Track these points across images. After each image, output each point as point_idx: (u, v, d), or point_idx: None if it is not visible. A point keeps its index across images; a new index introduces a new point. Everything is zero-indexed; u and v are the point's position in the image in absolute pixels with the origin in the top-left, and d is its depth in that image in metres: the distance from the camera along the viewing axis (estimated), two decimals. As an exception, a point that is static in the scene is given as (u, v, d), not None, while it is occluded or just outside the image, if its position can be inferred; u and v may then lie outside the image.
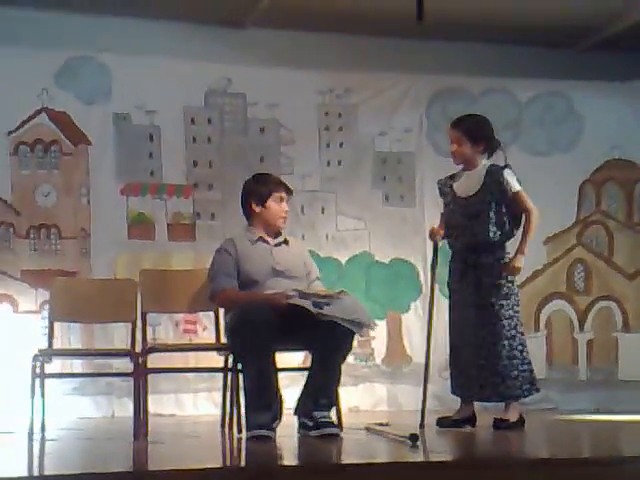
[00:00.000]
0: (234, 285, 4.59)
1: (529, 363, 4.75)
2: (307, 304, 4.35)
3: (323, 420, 4.33)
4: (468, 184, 4.77)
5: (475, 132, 4.77)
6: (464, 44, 6.37)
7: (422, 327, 6.22)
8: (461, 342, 4.77)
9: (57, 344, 5.06)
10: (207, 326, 5.61)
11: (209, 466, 3.61)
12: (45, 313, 5.32)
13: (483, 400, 4.81)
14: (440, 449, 4.10)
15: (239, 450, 4.19)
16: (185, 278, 5.07)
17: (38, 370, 4.57)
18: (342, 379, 4.52)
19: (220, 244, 4.71)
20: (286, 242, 4.74)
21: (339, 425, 4.46)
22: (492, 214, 4.69)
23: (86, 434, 4.72)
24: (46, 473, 3.63)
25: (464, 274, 4.75)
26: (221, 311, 4.76)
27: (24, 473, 3.51)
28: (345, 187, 6.33)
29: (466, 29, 6.30)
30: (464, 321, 4.75)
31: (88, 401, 5.62)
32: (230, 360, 4.62)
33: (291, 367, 4.89)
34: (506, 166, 4.77)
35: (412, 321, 6.26)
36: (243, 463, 3.99)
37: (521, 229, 4.76)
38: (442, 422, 4.78)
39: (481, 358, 4.68)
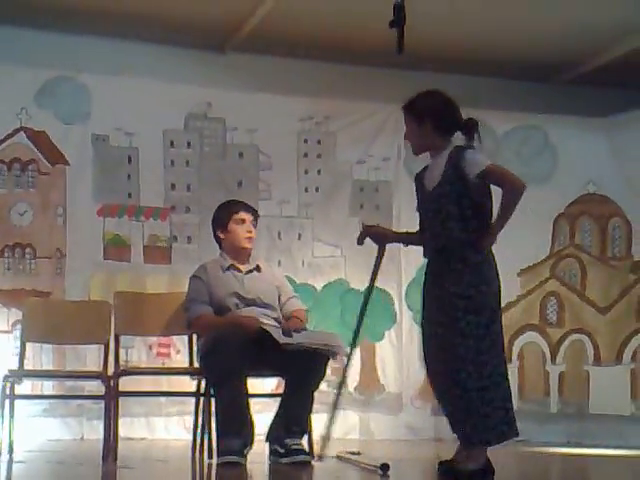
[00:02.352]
0: (209, 311, 4.59)
1: (506, 399, 3.79)
2: (276, 332, 4.36)
3: (295, 447, 4.31)
4: (432, 174, 3.89)
5: (418, 108, 3.93)
6: (442, 75, 6.42)
7: (396, 356, 6.26)
8: (429, 368, 3.91)
9: (28, 365, 5.02)
10: (180, 350, 5.58)
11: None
12: (17, 333, 5.28)
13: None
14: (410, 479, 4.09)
15: (209, 476, 4.17)
16: (160, 301, 5.06)
17: (8, 391, 4.53)
18: (314, 406, 4.51)
19: (194, 271, 4.71)
20: (258, 269, 4.74)
21: (310, 453, 4.44)
22: (453, 207, 3.78)
23: (55, 457, 4.67)
24: (13, 496, 3.59)
25: (431, 284, 3.90)
26: (194, 335, 4.75)
27: (-10, 495, 3.47)
28: (322, 214, 6.35)
29: (445, 61, 6.36)
30: (429, 342, 3.87)
31: (58, 423, 5.56)
32: (202, 385, 4.60)
33: (263, 393, 4.88)
34: (469, 146, 3.86)
35: (386, 350, 6.27)
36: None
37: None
38: (441, 467, 3.93)
39: (445, 388, 3.81)
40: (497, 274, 3.91)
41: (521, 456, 5.36)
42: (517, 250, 6.40)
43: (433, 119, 3.90)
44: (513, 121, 6.61)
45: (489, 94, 6.54)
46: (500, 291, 3.90)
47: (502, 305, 6.17)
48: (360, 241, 4.15)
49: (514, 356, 6.43)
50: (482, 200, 3.82)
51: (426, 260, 3.99)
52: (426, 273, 3.95)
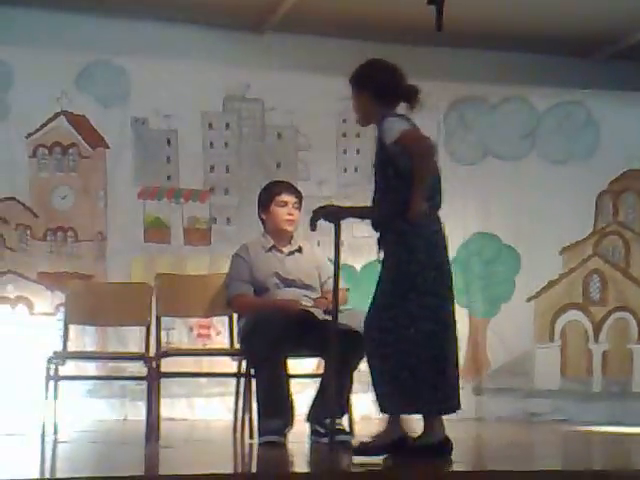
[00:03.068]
0: (249, 291, 4.61)
1: (413, 370, 3.64)
2: (317, 311, 4.37)
3: (335, 427, 4.31)
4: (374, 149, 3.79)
5: (358, 79, 3.80)
6: (482, 52, 6.36)
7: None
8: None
9: (72, 346, 5.08)
10: (221, 331, 5.61)
11: (220, 471, 3.61)
12: (60, 315, 5.34)
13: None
14: (453, 459, 4.07)
15: (250, 456, 4.20)
16: (200, 283, 5.09)
17: (52, 372, 4.59)
18: (354, 386, 4.51)
19: (236, 250, 4.72)
20: (300, 250, 4.74)
21: (351, 432, 4.45)
22: (381, 178, 3.70)
23: (98, 437, 4.74)
24: (58, 476, 3.64)
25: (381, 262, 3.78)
26: (235, 316, 4.77)
27: (36, 475, 3.52)
28: (361, 194, 6.28)
29: (485, 37, 6.28)
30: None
31: (102, 404, 5.64)
32: (243, 365, 4.63)
33: (303, 374, 4.89)
34: (392, 114, 3.73)
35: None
36: (254, 469, 3.99)
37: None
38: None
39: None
40: (434, 245, 3.77)
41: (563, 435, 5.33)
42: (559, 228, 6.34)
43: (373, 89, 3.79)
44: (554, 97, 6.53)
45: (529, 70, 6.46)
46: (439, 263, 3.74)
47: (544, 284, 6.31)
48: (312, 227, 3.98)
49: (556, 335, 6.38)
50: (407, 169, 3.66)
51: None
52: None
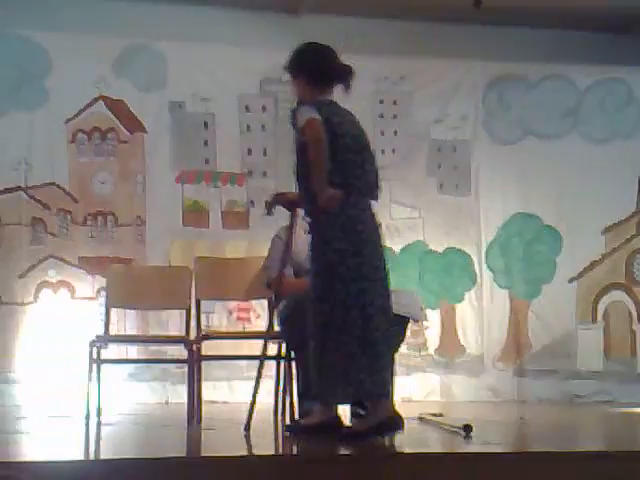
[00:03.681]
0: (288, 273, 4.60)
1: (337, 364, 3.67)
2: None
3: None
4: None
5: (291, 64, 3.83)
6: (522, 30, 6.27)
7: (476, 317, 6.21)
8: None
9: (113, 330, 5.11)
10: (260, 314, 5.63)
11: (261, 453, 3.62)
12: (102, 299, 5.38)
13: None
14: (495, 440, 4.05)
15: (292, 438, 4.19)
16: (239, 266, 5.09)
17: (95, 355, 4.62)
18: (395, 369, 4.48)
19: (275, 231, 4.71)
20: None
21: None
22: (297, 165, 3.77)
23: (141, 419, 4.77)
24: (102, 457, 3.68)
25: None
26: (274, 300, 4.76)
27: (80, 457, 3.56)
28: (399, 175, 6.28)
29: (524, 14, 6.20)
30: None
31: (143, 387, 5.69)
32: (283, 348, 4.62)
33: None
34: (306, 102, 3.73)
35: (466, 311, 6.21)
36: (295, 451, 3.99)
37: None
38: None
39: None
40: (349, 230, 3.74)
41: (607, 417, 5.27)
42: (601, 208, 6.26)
43: (306, 73, 3.82)
44: (595, 74, 6.43)
45: (570, 47, 6.36)
46: (359, 248, 3.73)
47: (587, 264, 6.24)
48: (269, 211, 4.00)
49: (599, 316, 6.31)
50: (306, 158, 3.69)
51: None
52: None
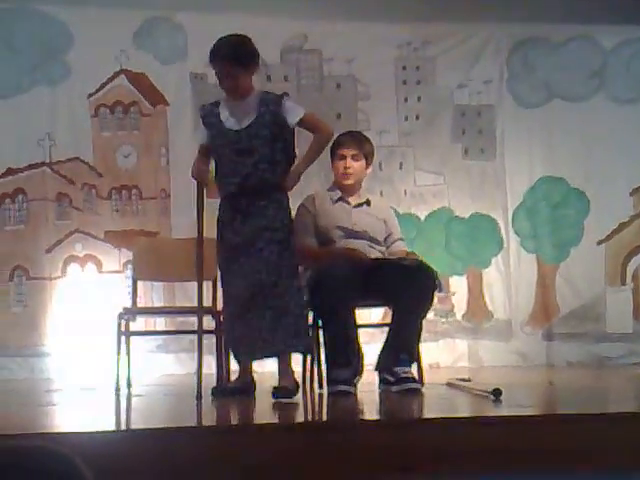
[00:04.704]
0: (313, 242, 4.59)
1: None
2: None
3: (404, 375, 4.31)
4: (238, 115, 4.10)
5: (245, 56, 4.09)
6: (543, -10, 6.18)
7: (504, 282, 6.18)
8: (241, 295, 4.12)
9: (140, 303, 5.14)
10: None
11: (291, 421, 3.64)
12: (128, 272, 5.41)
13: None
14: (525, 404, 4.05)
15: (320, 405, 4.21)
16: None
17: (123, 328, 4.66)
18: (422, 335, 4.48)
19: (302, 200, 4.70)
20: (368, 203, 4.70)
21: (420, 381, 4.44)
22: (267, 150, 4.05)
23: (170, 390, 4.81)
24: (133, 427, 3.71)
25: (240, 222, 4.12)
26: (300, 268, 4.76)
27: (112, 427, 3.60)
28: (423, 142, 6.24)
29: (547, -25, 6.10)
30: (238, 273, 4.13)
31: (172, 358, 5.72)
32: (311, 316, 4.63)
33: (371, 323, 4.88)
34: (284, 94, 4.20)
35: (493, 276, 6.17)
36: (325, 418, 4.01)
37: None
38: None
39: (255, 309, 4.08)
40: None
41: (637, 378, 5.25)
42: (629, 169, 6.19)
43: (255, 66, 4.16)
44: (621, 34, 6.32)
45: (594, 7, 6.23)
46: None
47: (615, 226, 6.17)
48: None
49: (628, 278, 6.25)
50: (292, 145, 4.15)
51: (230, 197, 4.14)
52: (223, 210, 4.18)
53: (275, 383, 4.18)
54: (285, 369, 4.21)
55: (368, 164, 4.68)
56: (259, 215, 4.09)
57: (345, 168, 4.62)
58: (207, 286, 5.01)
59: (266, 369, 4.64)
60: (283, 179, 4.14)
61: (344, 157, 4.62)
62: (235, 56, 4.08)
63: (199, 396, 4.10)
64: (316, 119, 4.22)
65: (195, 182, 4.29)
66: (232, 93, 4.16)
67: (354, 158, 4.63)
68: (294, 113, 4.10)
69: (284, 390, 4.08)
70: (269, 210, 4.11)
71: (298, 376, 4.79)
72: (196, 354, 5.62)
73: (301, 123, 4.13)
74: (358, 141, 4.68)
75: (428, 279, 4.34)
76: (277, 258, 4.10)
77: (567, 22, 6.24)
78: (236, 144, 4.09)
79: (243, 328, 4.17)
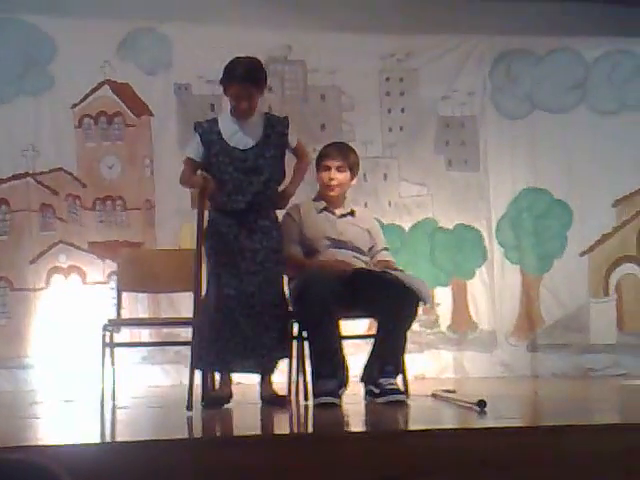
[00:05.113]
0: (298, 251, 4.60)
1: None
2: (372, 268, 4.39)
3: (389, 387, 4.31)
4: (244, 134, 4.25)
5: (262, 80, 4.27)
6: (528, 3, 6.22)
7: (488, 293, 6.20)
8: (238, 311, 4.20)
9: (125, 314, 5.12)
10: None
11: (277, 432, 3.63)
12: (113, 284, 5.39)
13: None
14: (509, 415, 4.06)
15: (306, 417, 4.21)
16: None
17: (107, 339, 4.64)
18: (407, 346, 4.49)
19: (287, 209, 4.71)
20: (352, 213, 4.72)
21: (405, 392, 4.44)
22: (273, 169, 4.27)
23: (156, 402, 4.79)
24: (118, 439, 3.70)
25: (245, 237, 4.23)
26: (285, 278, 4.76)
27: (97, 439, 3.58)
28: (407, 153, 6.26)
29: (530, -13, 6.14)
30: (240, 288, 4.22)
31: (157, 370, 5.70)
32: (295, 328, 4.63)
33: (356, 335, 4.88)
34: (287, 117, 4.41)
35: (477, 287, 6.19)
36: (310, 429, 4.01)
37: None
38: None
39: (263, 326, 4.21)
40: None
41: (621, 389, 5.27)
42: (611, 180, 6.23)
43: (265, 85, 4.39)
44: (603, 46, 6.37)
45: (577, 19, 6.29)
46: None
47: (598, 237, 6.21)
48: None
49: (611, 289, 6.28)
50: (284, 167, 4.35)
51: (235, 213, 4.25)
52: (232, 226, 4.25)
53: (251, 394, 4.23)
54: (270, 379, 4.31)
55: (353, 175, 4.70)
56: (265, 234, 4.27)
57: (330, 179, 4.63)
58: (192, 297, 5.02)
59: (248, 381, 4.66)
60: (279, 198, 4.35)
61: (329, 168, 4.64)
62: (253, 78, 4.22)
63: (189, 407, 4.12)
64: (304, 146, 4.52)
65: (189, 191, 4.49)
66: (245, 113, 4.26)
67: (339, 169, 4.65)
68: (293, 138, 4.36)
69: (281, 399, 4.24)
70: (273, 231, 4.30)
71: (283, 387, 4.80)
72: (181, 366, 5.70)
73: (294, 148, 4.38)
74: (343, 152, 4.70)
75: (413, 298, 4.36)
76: (275, 275, 4.31)
77: (549, 34, 6.29)
78: (243, 163, 4.22)
79: (231, 337, 4.18)
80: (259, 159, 4.24)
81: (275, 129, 4.30)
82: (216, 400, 4.28)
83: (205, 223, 4.33)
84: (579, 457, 3.18)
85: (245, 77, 4.20)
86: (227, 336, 4.21)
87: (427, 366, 6.00)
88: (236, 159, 4.23)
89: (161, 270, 5.03)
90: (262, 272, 4.25)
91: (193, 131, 4.38)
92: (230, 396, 4.34)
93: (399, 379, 4.43)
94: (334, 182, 4.64)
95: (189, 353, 5.38)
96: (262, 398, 4.37)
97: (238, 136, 4.27)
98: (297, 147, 4.43)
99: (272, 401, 4.29)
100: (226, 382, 4.36)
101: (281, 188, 4.42)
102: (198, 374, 4.41)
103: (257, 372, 4.36)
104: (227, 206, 4.25)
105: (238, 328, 4.19)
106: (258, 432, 3.73)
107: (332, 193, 4.66)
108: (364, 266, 4.55)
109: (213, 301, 4.27)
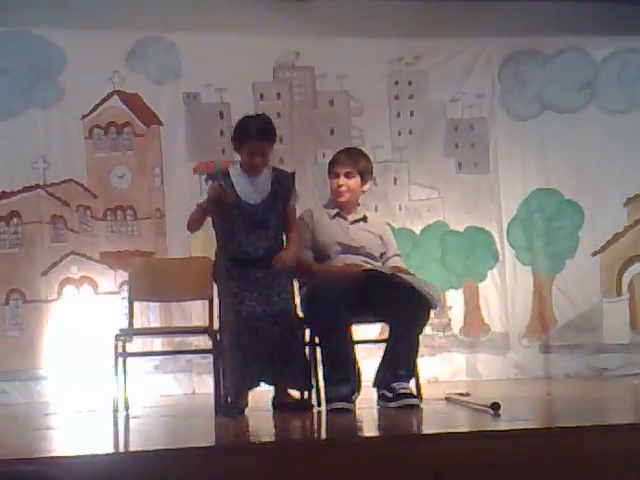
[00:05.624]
0: (309, 256, 4.60)
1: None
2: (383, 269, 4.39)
3: (402, 391, 4.31)
4: (254, 188, 4.43)
5: (273, 130, 4.48)
6: (536, 3, 6.20)
7: (500, 295, 6.18)
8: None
9: (137, 323, 5.13)
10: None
11: (291, 439, 3.63)
12: (124, 293, 5.39)
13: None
14: (523, 417, 4.04)
15: (319, 423, 4.20)
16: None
17: (120, 349, 4.65)
18: (420, 350, 4.48)
19: (300, 213, 4.71)
20: (364, 219, 4.72)
21: (418, 396, 4.43)
22: (280, 223, 4.43)
23: (168, 411, 4.80)
24: (131, 449, 3.70)
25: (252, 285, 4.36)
26: (296, 284, 4.76)
27: (110, 449, 3.58)
28: (417, 156, 6.25)
29: (538, -13, 6.13)
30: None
31: (169, 379, 5.70)
32: (307, 334, 4.62)
33: (368, 339, 4.88)
34: (294, 173, 4.56)
35: (489, 289, 6.17)
36: (324, 435, 4.00)
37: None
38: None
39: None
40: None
41: (635, 388, 5.25)
42: (622, 179, 6.21)
43: (275, 139, 4.54)
44: (612, 45, 6.34)
45: (585, 19, 6.27)
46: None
47: (609, 237, 6.18)
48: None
49: (624, 288, 6.25)
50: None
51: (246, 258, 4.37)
52: (242, 276, 4.34)
53: (262, 401, 4.29)
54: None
55: (364, 181, 4.70)
56: (277, 288, 4.37)
57: (339, 185, 4.64)
58: (204, 305, 5.03)
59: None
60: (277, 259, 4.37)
61: (338, 175, 4.65)
62: (266, 134, 4.41)
63: (217, 414, 4.22)
64: (296, 213, 4.55)
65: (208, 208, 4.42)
66: (258, 168, 4.42)
67: (347, 176, 4.65)
68: (295, 196, 4.50)
69: (304, 402, 4.29)
70: (287, 285, 4.42)
71: (296, 394, 4.80)
72: (193, 374, 5.71)
73: (289, 208, 4.47)
74: (352, 158, 4.70)
75: (425, 302, 4.35)
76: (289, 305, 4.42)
77: (558, 34, 6.27)
78: (252, 216, 4.37)
79: (252, 354, 4.24)
80: (267, 213, 4.39)
81: (282, 184, 4.44)
82: (234, 410, 4.25)
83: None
84: (594, 458, 3.17)
85: (259, 135, 4.38)
86: (252, 352, 4.25)
87: (440, 369, 5.98)
88: (246, 212, 4.37)
89: (172, 279, 5.04)
90: (278, 304, 4.35)
91: (205, 182, 4.55)
92: (247, 405, 4.34)
93: (412, 383, 4.42)
94: (343, 188, 4.64)
95: (201, 361, 5.43)
96: (275, 404, 4.36)
97: (248, 190, 4.41)
98: (291, 210, 4.49)
99: (295, 406, 4.29)
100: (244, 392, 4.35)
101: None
102: (211, 382, 4.42)
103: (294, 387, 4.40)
104: (238, 255, 4.35)
105: (263, 340, 4.26)
106: (272, 439, 3.73)
107: (341, 199, 4.66)
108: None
109: (233, 320, 4.29)
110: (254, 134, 4.38)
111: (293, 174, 4.54)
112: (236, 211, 4.37)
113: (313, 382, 4.42)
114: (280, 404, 4.37)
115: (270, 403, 4.42)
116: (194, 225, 4.56)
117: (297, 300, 4.52)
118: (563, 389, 4.74)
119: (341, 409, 4.20)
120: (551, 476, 3.15)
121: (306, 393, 4.40)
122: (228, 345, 4.25)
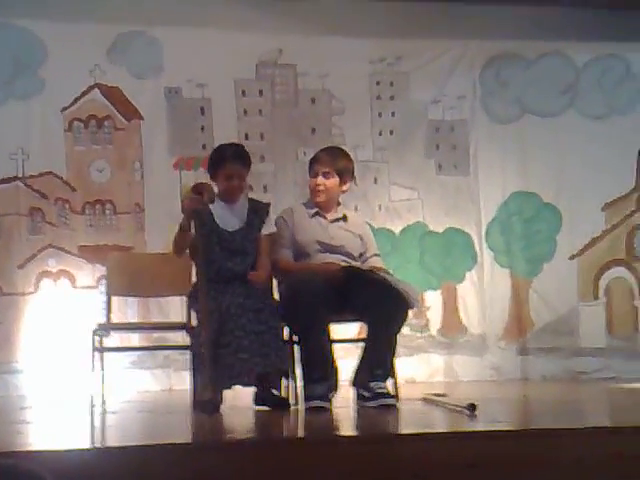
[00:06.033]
0: (288, 255, 4.60)
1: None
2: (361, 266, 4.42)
3: (380, 391, 4.32)
4: (231, 217, 4.50)
5: (249, 158, 4.57)
6: (519, 7, 6.23)
7: (478, 297, 6.21)
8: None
9: (115, 318, 5.10)
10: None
11: (268, 436, 3.63)
12: (102, 288, 5.37)
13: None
14: (500, 418, 4.06)
15: (296, 421, 4.21)
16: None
17: (97, 344, 4.62)
18: (398, 350, 4.49)
19: (280, 212, 4.71)
20: (344, 218, 4.72)
21: (396, 396, 4.44)
22: (254, 251, 4.48)
23: (145, 407, 4.78)
24: (108, 444, 3.68)
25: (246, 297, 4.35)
26: (275, 282, 4.76)
27: (87, 445, 3.56)
28: (397, 157, 6.27)
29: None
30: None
31: (146, 375, 5.69)
32: (286, 332, 4.62)
33: (346, 339, 4.88)
34: (269, 204, 4.65)
35: (468, 291, 6.20)
36: (301, 434, 4.00)
37: None
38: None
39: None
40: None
41: (611, 392, 5.29)
42: (600, 184, 6.26)
43: (250, 166, 4.59)
44: (593, 51, 6.40)
45: (567, 24, 6.32)
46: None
47: (587, 241, 6.22)
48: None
49: (601, 292, 6.30)
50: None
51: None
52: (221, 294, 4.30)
53: (241, 399, 4.28)
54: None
55: (343, 181, 4.69)
56: (256, 289, 4.38)
57: (316, 185, 4.64)
58: (182, 301, 5.02)
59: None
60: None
61: (316, 174, 4.65)
62: (242, 157, 4.51)
63: (194, 410, 4.18)
64: (267, 245, 4.54)
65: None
66: (236, 193, 4.49)
67: (325, 175, 4.65)
68: (268, 227, 4.55)
69: (285, 401, 4.34)
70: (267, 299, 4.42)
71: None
72: (171, 370, 5.69)
73: (261, 237, 4.50)
74: (331, 158, 4.69)
75: (403, 302, 4.36)
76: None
77: (539, 39, 6.31)
78: (229, 244, 4.44)
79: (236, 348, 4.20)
80: (244, 241, 4.46)
81: (257, 214, 4.53)
82: (210, 406, 4.25)
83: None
84: (569, 460, 3.19)
85: (235, 157, 4.47)
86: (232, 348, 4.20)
87: (417, 370, 6.01)
88: (223, 240, 4.44)
89: (151, 274, 5.02)
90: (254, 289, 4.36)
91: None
92: (221, 402, 4.33)
93: (389, 383, 4.43)
94: (320, 188, 4.64)
95: (179, 358, 5.41)
96: (257, 402, 4.35)
97: (226, 218, 4.48)
98: (262, 240, 4.50)
99: (276, 403, 4.30)
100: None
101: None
102: (188, 378, 4.41)
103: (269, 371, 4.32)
104: (216, 279, 4.35)
105: (243, 331, 4.22)
106: (248, 436, 3.73)
107: (318, 199, 4.66)
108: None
109: (213, 312, 4.25)
110: (230, 157, 4.47)
111: (268, 204, 4.63)
112: (215, 238, 4.42)
113: (291, 375, 4.42)
114: (262, 399, 4.34)
115: (252, 399, 4.39)
116: (179, 247, 4.50)
117: (276, 296, 4.52)
118: (539, 391, 4.77)
119: (318, 407, 4.21)
120: (525, 478, 3.17)
121: (284, 390, 4.39)
122: (208, 340, 4.23)
